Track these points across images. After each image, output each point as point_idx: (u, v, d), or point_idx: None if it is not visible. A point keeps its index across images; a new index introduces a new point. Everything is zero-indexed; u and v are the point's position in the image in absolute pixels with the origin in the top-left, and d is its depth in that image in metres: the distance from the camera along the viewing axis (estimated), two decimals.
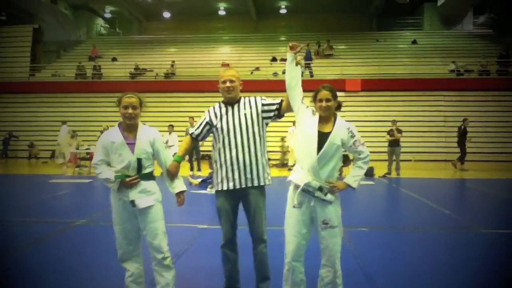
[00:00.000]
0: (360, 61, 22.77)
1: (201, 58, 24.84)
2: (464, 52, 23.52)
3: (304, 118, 3.33)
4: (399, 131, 13.34)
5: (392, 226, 6.65)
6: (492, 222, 6.77)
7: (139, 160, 3.35)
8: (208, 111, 3.67)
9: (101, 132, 14.65)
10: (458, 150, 16.05)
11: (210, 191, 9.15)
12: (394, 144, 13.23)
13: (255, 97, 3.66)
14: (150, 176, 3.44)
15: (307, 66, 21.99)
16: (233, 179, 3.51)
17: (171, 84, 22.19)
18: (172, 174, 3.52)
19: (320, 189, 3.17)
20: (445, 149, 18.54)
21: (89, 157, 14.22)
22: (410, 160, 15.75)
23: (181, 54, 25.44)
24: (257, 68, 22.90)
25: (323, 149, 3.17)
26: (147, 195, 3.37)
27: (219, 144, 3.56)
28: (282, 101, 3.59)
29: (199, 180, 10.81)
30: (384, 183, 11.74)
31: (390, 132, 13.37)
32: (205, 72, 21.92)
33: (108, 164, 3.38)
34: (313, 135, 3.22)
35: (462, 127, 15.24)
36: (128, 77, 23.10)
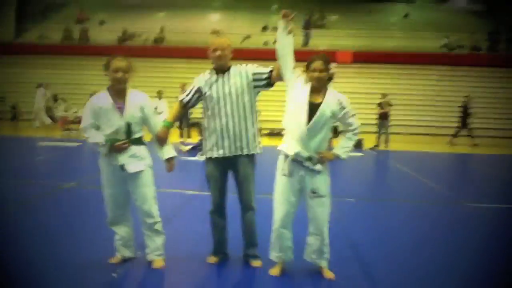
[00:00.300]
0: (352, 32, 22.55)
1: (191, 24, 24.39)
2: (456, 27, 23.39)
3: (295, 88, 3.31)
4: (389, 104, 13.38)
5: (379, 197, 6.74)
6: (479, 196, 6.89)
7: (128, 125, 3.32)
8: (198, 79, 3.62)
9: (91, 95, 14.51)
10: (447, 124, 16.15)
11: (200, 157, 9.15)
12: (383, 117, 13.30)
13: (246, 65, 3.62)
14: (140, 141, 3.42)
15: (306, 35, 21.83)
16: (223, 147, 3.50)
17: (160, 50, 21.86)
18: (161, 140, 3.49)
19: (309, 159, 3.21)
20: (435, 122, 18.67)
21: (78, 120, 14.08)
22: (400, 133, 15.84)
23: (171, 20, 24.94)
24: (248, 37, 22.59)
25: (313, 120, 3.18)
26: (137, 160, 3.35)
27: (209, 112, 3.54)
28: (272, 69, 3.55)
29: (190, 146, 10.80)
30: (373, 155, 11.84)
31: (380, 105, 13.41)
32: (195, 38, 21.58)
33: (97, 128, 3.35)
34: (303, 105, 3.21)
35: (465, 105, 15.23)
36: (116, 41, 22.66)
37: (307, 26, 22.09)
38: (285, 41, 3.38)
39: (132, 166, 3.33)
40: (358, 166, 10.41)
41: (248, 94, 3.53)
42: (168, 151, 3.51)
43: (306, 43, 21.88)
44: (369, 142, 13.24)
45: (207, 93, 3.53)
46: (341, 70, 20.53)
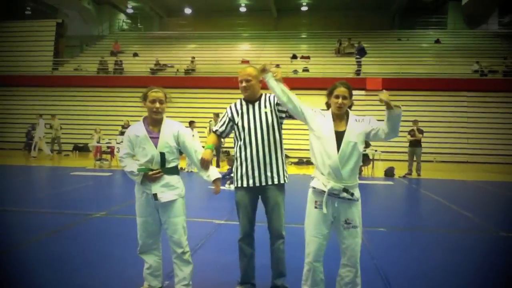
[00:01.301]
0: (381, 59, 22.51)
1: (221, 54, 24.90)
2: (489, 52, 23.08)
3: (316, 121, 3.26)
4: (420, 131, 13.17)
5: (411, 227, 6.56)
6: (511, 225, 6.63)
7: (162, 154, 3.36)
8: (230, 108, 3.67)
9: (122, 126, 14.85)
10: (479, 151, 15.75)
11: (228, 187, 9.17)
12: (415, 144, 13.07)
13: (274, 95, 3.61)
14: (174, 171, 3.44)
15: (358, 63, 21.79)
16: (253, 177, 3.53)
17: (191, 80, 22.31)
18: (205, 163, 3.46)
19: (345, 190, 3.10)
20: (467, 150, 18.24)
21: (110, 150, 14.39)
22: (432, 161, 15.53)
23: (201, 50, 25.54)
24: (277, 66, 22.82)
25: (341, 149, 3.10)
26: (169, 189, 3.38)
27: (240, 141, 3.58)
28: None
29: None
30: (404, 184, 11.60)
31: (411, 132, 13.21)
32: (224, 68, 21.99)
33: (132, 157, 3.46)
34: (330, 136, 3.15)
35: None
36: (149, 72, 23.30)
37: (361, 53, 22.14)
38: (278, 89, 3.32)
39: (164, 195, 3.35)
40: (389, 194, 10.21)
41: (276, 123, 3.57)
42: (213, 173, 3.51)
43: (358, 72, 21.87)
44: (400, 170, 13.01)
45: (238, 123, 3.57)
46: (371, 97, 20.50)
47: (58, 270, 4.08)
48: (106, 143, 14.49)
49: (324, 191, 3.10)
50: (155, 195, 3.34)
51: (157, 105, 3.38)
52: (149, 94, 3.42)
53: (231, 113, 3.64)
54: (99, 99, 22.10)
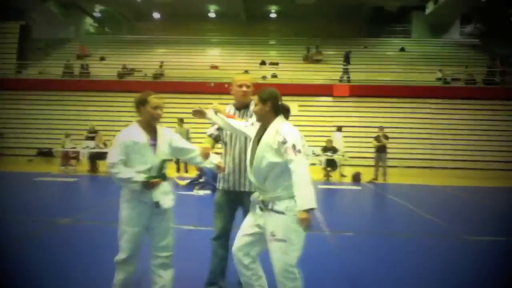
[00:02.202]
0: (348, 67, 22.89)
1: (190, 59, 24.79)
2: (451, 60, 23.81)
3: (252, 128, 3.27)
4: (386, 137, 13.47)
5: (377, 231, 6.69)
6: (476, 229, 6.84)
7: (163, 161, 3.30)
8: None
9: (88, 131, 14.58)
10: (443, 157, 16.16)
11: (196, 192, 9.13)
12: (381, 150, 13.36)
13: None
14: (166, 176, 3.39)
15: (345, 71, 22.03)
16: (228, 181, 3.63)
17: (159, 85, 22.08)
18: (206, 152, 3.46)
19: (264, 203, 2.98)
20: (431, 156, 18.72)
21: (75, 156, 14.10)
22: (397, 166, 15.88)
23: (170, 55, 25.35)
24: (246, 71, 22.87)
25: (254, 161, 2.99)
26: (167, 195, 3.34)
27: (226, 146, 3.69)
28: None
29: (186, 181, 10.78)
30: (371, 189, 11.82)
31: (377, 138, 13.49)
32: (194, 74, 21.89)
33: (125, 164, 3.25)
34: (251, 144, 3.12)
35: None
36: (116, 76, 22.96)
37: (348, 60, 22.37)
38: (224, 122, 3.38)
39: (165, 202, 3.30)
40: (356, 199, 10.39)
41: None
42: (214, 157, 3.51)
43: (347, 78, 22.03)
44: (366, 175, 13.25)
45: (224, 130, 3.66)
46: (338, 104, 20.82)
47: (21, 278, 3.96)
48: (72, 148, 14.18)
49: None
50: (157, 203, 3.25)
51: (159, 111, 3.31)
52: (151, 100, 3.32)
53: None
54: (64, 103, 21.56)
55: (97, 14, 32.51)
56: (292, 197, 2.88)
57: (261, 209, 3.00)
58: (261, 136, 3.00)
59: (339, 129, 14.80)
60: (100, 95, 21.83)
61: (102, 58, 25.18)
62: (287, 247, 2.87)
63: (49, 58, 26.00)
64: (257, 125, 3.12)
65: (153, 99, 3.34)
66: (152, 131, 3.32)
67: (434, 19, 27.08)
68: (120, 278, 3.37)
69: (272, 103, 3.02)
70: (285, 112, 3.07)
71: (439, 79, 21.81)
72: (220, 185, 3.69)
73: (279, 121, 3.00)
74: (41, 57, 26.16)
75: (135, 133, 3.28)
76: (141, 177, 3.15)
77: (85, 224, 6.37)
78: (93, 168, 13.81)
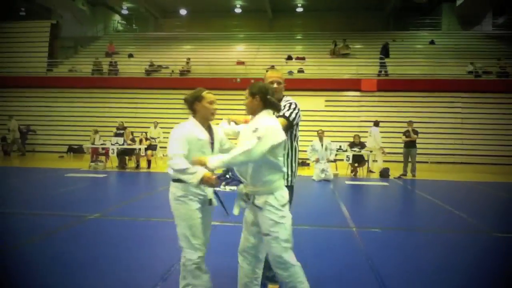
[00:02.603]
0: (376, 61, 22.56)
1: (216, 55, 24.89)
2: (483, 53, 23.19)
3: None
4: (415, 132, 13.22)
5: (405, 227, 6.58)
6: (506, 225, 6.66)
7: None
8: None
9: (117, 128, 14.79)
10: (474, 152, 15.79)
11: (223, 188, 9.15)
12: (410, 145, 13.12)
13: (289, 99, 3.66)
14: None
15: (382, 65, 21.75)
16: None
17: (186, 81, 22.24)
18: None
19: (246, 195, 3.07)
20: (461, 151, 18.33)
21: (105, 152, 14.33)
22: (427, 162, 15.57)
23: (197, 52, 25.51)
24: (272, 67, 22.82)
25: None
26: (213, 193, 3.37)
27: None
28: (284, 115, 3.51)
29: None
30: (399, 185, 11.63)
31: (406, 133, 13.25)
32: (220, 69, 21.99)
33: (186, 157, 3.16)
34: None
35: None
36: (144, 73, 23.27)
37: (386, 53, 22.04)
38: (230, 163, 3.06)
39: (214, 201, 3.35)
40: (384, 195, 10.24)
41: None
42: None
43: (385, 72, 21.67)
44: (395, 171, 13.05)
45: None
46: (365, 99, 20.54)
47: (53, 272, 4.05)
48: (101, 144, 14.42)
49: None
50: (210, 200, 3.27)
51: (215, 106, 3.30)
52: (206, 95, 3.31)
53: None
54: (93, 100, 22.04)
55: (124, 12, 33.00)
56: (271, 193, 2.97)
57: (244, 201, 3.07)
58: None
59: (376, 124, 14.53)
60: (128, 92, 22.16)
61: (130, 55, 25.54)
62: (271, 240, 2.94)
63: (78, 56, 26.58)
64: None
65: (208, 94, 3.32)
66: (208, 128, 3.30)
67: (464, 10, 26.37)
68: (205, 280, 3.21)
69: (260, 97, 3.03)
70: (273, 107, 3.08)
71: (470, 72, 21.27)
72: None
73: (264, 114, 3.03)
74: (71, 55, 26.76)
75: (197, 130, 3.23)
76: (200, 171, 3.04)
77: (113, 219, 6.48)
78: (122, 164, 14.03)
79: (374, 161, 14.35)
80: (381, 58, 21.96)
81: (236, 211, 3.10)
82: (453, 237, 5.88)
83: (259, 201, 2.97)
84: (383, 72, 21.67)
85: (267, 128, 2.88)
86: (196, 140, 3.18)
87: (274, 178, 2.99)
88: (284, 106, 3.56)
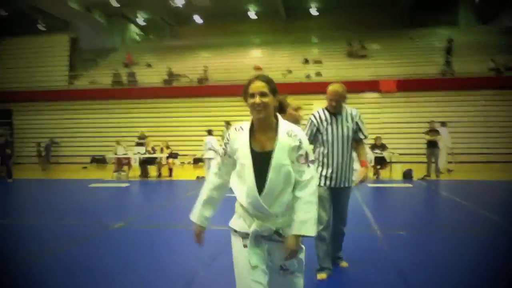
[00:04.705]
0: (394, 61, 22.35)
1: (233, 61, 24.98)
2: (504, 48, 22.69)
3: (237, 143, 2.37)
4: (437, 132, 13.02)
5: (430, 229, 6.46)
6: None
7: None
8: (314, 116, 4.07)
9: (138, 137, 14.94)
10: (499, 150, 15.44)
11: None
12: (433, 145, 12.91)
13: (356, 111, 4.15)
14: None
15: (448, 63, 21.41)
16: (331, 179, 4.03)
17: (204, 89, 22.42)
18: None
19: (277, 233, 2.31)
20: (486, 150, 17.97)
21: (127, 162, 14.49)
22: (451, 162, 15.27)
23: (213, 59, 25.65)
24: (290, 71, 22.82)
25: (267, 182, 2.23)
26: None
27: (326, 146, 4.01)
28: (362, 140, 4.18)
29: None
30: (423, 186, 11.46)
31: (428, 133, 13.06)
32: (237, 76, 22.05)
33: None
34: (246, 160, 2.29)
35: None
36: (163, 83, 23.48)
37: (450, 50, 21.73)
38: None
39: None
40: (408, 197, 10.10)
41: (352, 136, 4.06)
42: None
43: (451, 71, 21.28)
44: (418, 172, 12.86)
45: (323, 132, 4.00)
46: (385, 100, 20.34)
47: (79, 280, 4.10)
48: (123, 154, 14.58)
49: (247, 233, 2.32)
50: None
51: (301, 113, 3.57)
52: (292, 102, 3.45)
53: (317, 121, 4.05)
54: (114, 111, 22.36)
55: (140, 22, 33.37)
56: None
57: (269, 240, 2.34)
58: (261, 145, 2.30)
59: (444, 124, 14.39)
60: (148, 102, 22.41)
61: (148, 65, 25.83)
62: (299, 279, 2.44)
63: (98, 68, 26.97)
64: (240, 131, 2.35)
65: (293, 100, 3.39)
66: None
67: (482, 5, 25.88)
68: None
69: (277, 96, 2.39)
70: (281, 109, 2.61)
71: (491, 69, 20.84)
72: (323, 182, 3.98)
73: (282, 119, 2.39)
74: (90, 67, 27.18)
75: None
76: None
77: (137, 227, 6.53)
78: (144, 173, 14.16)
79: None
80: (447, 57, 21.54)
81: (256, 260, 2.30)
82: (480, 238, 5.75)
83: (287, 231, 2.32)
84: (449, 71, 21.12)
85: (308, 145, 2.37)
86: None
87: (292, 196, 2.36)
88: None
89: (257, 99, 2.27)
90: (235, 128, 2.37)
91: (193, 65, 24.87)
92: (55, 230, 6.35)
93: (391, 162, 13.62)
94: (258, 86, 2.30)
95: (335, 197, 4.09)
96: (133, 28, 33.73)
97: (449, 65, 21.25)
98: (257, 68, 23.13)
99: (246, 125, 2.36)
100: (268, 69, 22.61)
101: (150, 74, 24.39)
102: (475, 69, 20.68)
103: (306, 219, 2.26)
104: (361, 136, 4.12)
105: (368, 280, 4.04)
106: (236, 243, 2.39)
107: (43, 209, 8.42)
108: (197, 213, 2.48)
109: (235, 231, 2.39)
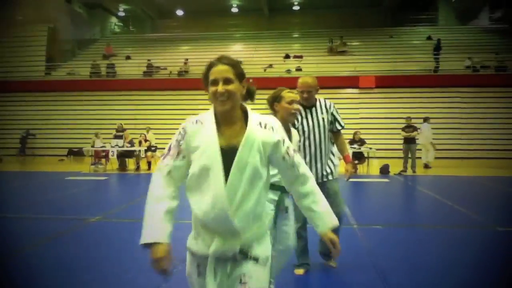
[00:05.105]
0: (374, 57, 22.57)
1: (214, 55, 24.47)
2: (480, 47, 23.16)
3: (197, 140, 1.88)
4: (414, 128, 13.24)
5: (407, 223, 6.58)
6: (508, 220, 6.66)
7: None
8: None
9: (116, 130, 14.78)
10: (474, 147, 15.75)
11: None
12: (409, 141, 13.13)
13: (330, 103, 4.08)
14: None
15: (436, 60, 21.74)
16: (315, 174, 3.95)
17: (184, 82, 22.26)
18: None
19: (243, 252, 1.85)
20: (461, 146, 18.33)
21: (105, 154, 14.34)
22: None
23: (194, 52, 25.49)
24: (270, 66, 22.86)
25: (229, 179, 1.77)
26: None
27: (303, 137, 3.93)
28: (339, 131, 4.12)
29: None
30: (400, 181, 11.65)
31: (405, 129, 13.27)
32: None
33: None
34: (212, 157, 1.80)
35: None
36: (142, 75, 23.26)
37: (438, 49, 22.14)
38: None
39: None
40: (385, 192, 10.25)
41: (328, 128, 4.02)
42: None
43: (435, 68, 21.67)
44: (395, 167, 13.06)
45: (298, 127, 3.92)
46: (364, 95, 20.56)
47: (58, 275, 4.07)
48: (101, 146, 14.42)
49: (207, 256, 1.85)
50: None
51: (296, 106, 3.20)
52: (286, 94, 3.15)
53: None
54: (92, 103, 22.04)
55: (121, 14, 32.95)
56: (266, 231, 1.98)
57: (233, 261, 1.86)
58: (229, 139, 1.85)
59: (426, 119, 14.64)
60: (127, 94, 22.18)
61: (127, 57, 25.53)
62: None
63: (76, 59, 26.55)
64: (199, 124, 1.91)
65: (287, 93, 3.18)
66: (288, 131, 3.03)
67: (461, 5, 26.39)
68: None
69: (245, 82, 1.98)
70: (252, 95, 2.05)
71: (468, 67, 21.26)
72: None
73: (250, 109, 1.98)
74: (68, 58, 26.73)
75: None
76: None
77: (115, 221, 6.49)
78: (122, 166, 14.04)
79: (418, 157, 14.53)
80: (434, 55, 21.93)
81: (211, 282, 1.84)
82: (456, 233, 5.87)
83: (258, 250, 1.89)
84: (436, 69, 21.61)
85: (281, 127, 1.99)
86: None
87: (264, 208, 1.96)
88: None
89: (220, 87, 1.86)
90: (192, 122, 1.91)
91: (173, 58, 24.69)
92: (31, 224, 6.25)
93: (368, 157, 13.79)
94: (221, 70, 1.93)
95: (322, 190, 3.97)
96: (113, 20, 33.26)
97: (437, 61, 21.67)
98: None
99: (208, 117, 1.91)
100: (249, 64, 22.61)
101: (130, 66, 24.12)
102: (453, 66, 21.10)
103: (330, 209, 2.01)
104: (338, 127, 4.07)
105: (344, 273, 4.11)
106: (191, 270, 1.94)
107: (18, 202, 8.27)
108: (160, 230, 1.82)
109: (193, 253, 1.92)
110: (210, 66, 2.01)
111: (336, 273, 4.12)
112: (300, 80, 3.95)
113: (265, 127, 1.88)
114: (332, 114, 4.01)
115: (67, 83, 22.99)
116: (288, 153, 1.90)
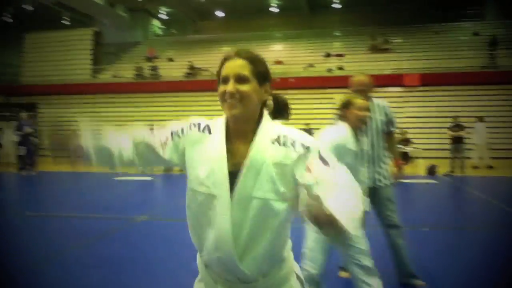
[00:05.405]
0: (418, 54, 21.96)
1: None
2: None
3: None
4: (462, 128, 12.79)
5: (454, 226, 6.36)
6: None
7: None
8: None
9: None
10: None
11: None
12: (457, 140, 12.69)
13: (385, 102, 3.91)
14: None
15: (491, 57, 21.10)
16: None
17: None
18: None
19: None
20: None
21: None
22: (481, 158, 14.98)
23: None
24: (311, 65, 22.67)
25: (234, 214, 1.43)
26: None
27: None
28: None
29: None
30: (447, 182, 11.29)
31: (452, 128, 12.84)
32: None
33: None
34: (216, 185, 1.43)
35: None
36: (184, 76, 23.59)
37: (494, 44, 21.32)
38: None
39: None
40: (432, 193, 9.96)
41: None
42: None
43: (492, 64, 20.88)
44: (443, 168, 12.65)
45: None
46: (409, 94, 20.02)
47: (107, 273, 4.19)
48: None
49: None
50: None
51: (367, 113, 3.11)
52: (356, 101, 3.08)
53: None
54: (137, 105, 22.54)
55: (163, 16, 33.52)
56: (290, 272, 1.59)
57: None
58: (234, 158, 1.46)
59: (481, 119, 14.23)
60: (170, 96, 22.57)
61: (170, 59, 25.97)
62: None
63: (120, 62, 27.25)
64: (205, 132, 1.58)
65: (358, 100, 3.11)
66: (357, 138, 3.06)
67: None
68: None
69: (270, 87, 1.59)
70: (284, 109, 1.66)
71: None
72: None
73: (269, 119, 1.54)
74: (113, 61, 27.47)
75: (348, 137, 3.01)
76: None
77: (160, 221, 6.60)
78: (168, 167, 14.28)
79: (480, 158, 14.27)
80: (491, 51, 21.14)
81: None
82: (506, 235, 5.63)
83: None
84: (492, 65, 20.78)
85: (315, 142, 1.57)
86: (347, 150, 2.96)
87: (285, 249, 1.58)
88: None
89: (230, 86, 1.47)
90: (199, 127, 1.57)
91: (215, 59, 24.88)
92: (82, 224, 6.45)
93: (415, 158, 13.44)
94: (235, 65, 1.50)
95: (374, 197, 3.69)
96: (155, 23, 33.93)
97: (493, 58, 20.74)
98: (278, 62, 23.02)
99: (218, 124, 1.56)
100: (289, 63, 22.55)
101: (172, 68, 24.54)
102: (508, 62, 20.10)
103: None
104: (392, 128, 3.89)
105: (390, 276, 4.01)
106: None
107: (69, 202, 8.56)
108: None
109: None
110: (223, 60, 1.56)
111: (383, 275, 4.01)
112: (355, 79, 3.78)
113: (283, 144, 1.42)
114: (386, 114, 3.82)
115: (113, 86, 23.64)
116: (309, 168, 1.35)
